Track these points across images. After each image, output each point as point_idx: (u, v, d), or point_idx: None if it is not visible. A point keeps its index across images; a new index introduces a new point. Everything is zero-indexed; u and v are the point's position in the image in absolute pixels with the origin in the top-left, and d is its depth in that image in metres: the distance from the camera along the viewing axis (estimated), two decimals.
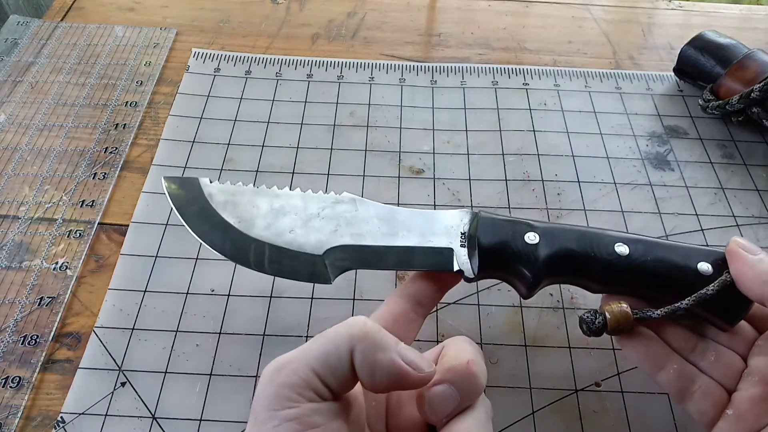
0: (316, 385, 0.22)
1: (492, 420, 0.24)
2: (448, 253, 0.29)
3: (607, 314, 0.28)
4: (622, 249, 0.29)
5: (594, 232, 0.30)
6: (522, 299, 0.33)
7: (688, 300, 0.27)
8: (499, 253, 0.29)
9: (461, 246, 0.29)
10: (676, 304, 0.28)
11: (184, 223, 0.31)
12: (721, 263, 0.28)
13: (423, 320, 0.29)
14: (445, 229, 0.30)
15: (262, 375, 0.23)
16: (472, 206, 0.41)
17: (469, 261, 0.29)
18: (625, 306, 0.28)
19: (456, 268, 0.29)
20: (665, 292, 0.28)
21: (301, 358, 0.22)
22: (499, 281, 0.31)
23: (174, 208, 0.31)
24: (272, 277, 0.36)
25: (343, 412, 0.23)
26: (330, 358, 0.22)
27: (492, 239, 0.29)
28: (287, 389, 0.22)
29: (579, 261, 0.29)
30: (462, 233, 0.30)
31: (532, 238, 0.29)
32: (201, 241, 0.30)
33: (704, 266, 0.28)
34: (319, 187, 0.41)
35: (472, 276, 0.29)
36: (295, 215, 0.31)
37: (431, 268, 0.30)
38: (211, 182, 0.32)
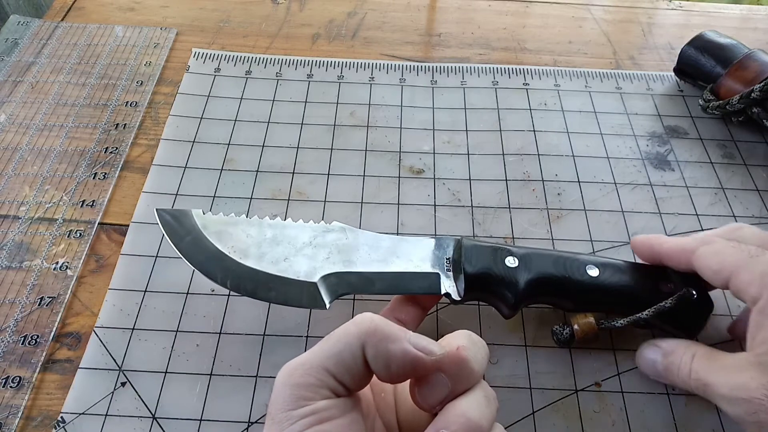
0: (331, 383, 0.22)
1: (498, 411, 0.24)
2: (435, 278, 0.31)
3: (575, 326, 0.32)
4: (592, 271, 0.31)
5: (567, 256, 0.32)
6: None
7: (648, 311, 0.30)
8: (483, 278, 0.31)
9: (447, 270, 0.31)
10: (637, 315, 0.31)
11: (180, 254, 0.32)
12: (682, 281, 0.31)
13: None
14: (431, 255, 0.32)
15: (276, 379, 0.23)
16: (472, 206, 0.41)
17: (455, 284, 0.31)
18: (590, 318, 0.31)
19: (443, 291, 0.31)
20: (632, 309, 0.31)
21: (314, 358, 0.23)
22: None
23: (168, 239, 0.32)
24: None
25: (356, 406, 0.23)
26: (343, 355, 0.22)
27: (476, 265, 0.31)
28: (302, 389, 0.22)
29: (555, 283, 0.31)
30: (447, 258, 0.32)
31: (511, 261, 0.31)
32: (197, 271, 0.31)
33: (665, 285, 0.32)
34: (320, 188, 0.42)
35: (459, 299, 0.31)
36: (288, 244, 0.32)
37: (419, 292, 0.31)
38: (204, 213, 0.33)
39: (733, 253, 0.28)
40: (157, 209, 0.33)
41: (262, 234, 0.32)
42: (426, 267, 0.32)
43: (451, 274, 0.31)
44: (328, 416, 0.22)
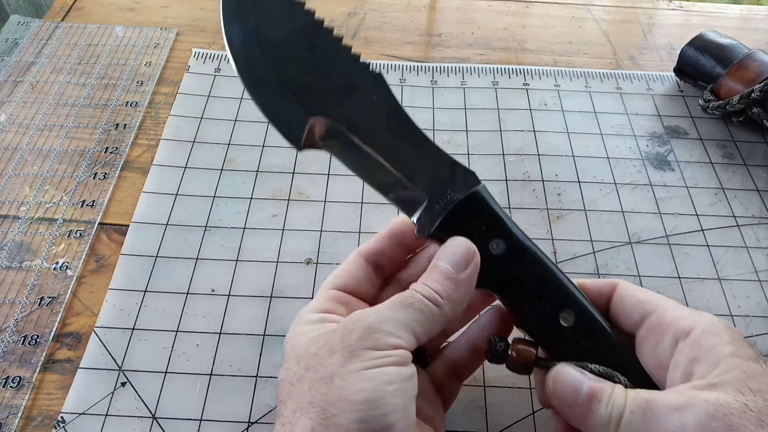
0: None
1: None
2: (418, 202, 0.27)
3: (512, 352, 0.27)
4: (565, 320, 0.26)
5: (554, 283, 0.27)
6: None
7: (600, 368, 0.25)
8: (458, 232, 0.27)
9: (436, 204, 0.27)
10: (585, 363, 0.25)
11: None
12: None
13: (382, 282, 0.29)
14: (439, 179, 0.27)
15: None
16: None
17: (430, 219, 0.27)
18: (532, 349, 0.26)
19: (414, 219, 0.27)
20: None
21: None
22: None
23: None
24: (272, 277, 0.37)
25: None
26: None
27: (456, 226, 0.27)
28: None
29: (522, 297, 0.27)
30: (448, 194, 0.27)
31: (496, 247, 0.27)
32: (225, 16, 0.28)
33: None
34: (320, 188, 0.41)
35: (422, 236, 0.27)
36: (321, 60, 0.28)
37: (391, 201, 0.28)
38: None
39: (659, 295, 0.27)
40: None
41: (311, 34, 0.29)
42: (420, 186, 0.27)
43: (437, 211, 0.27)
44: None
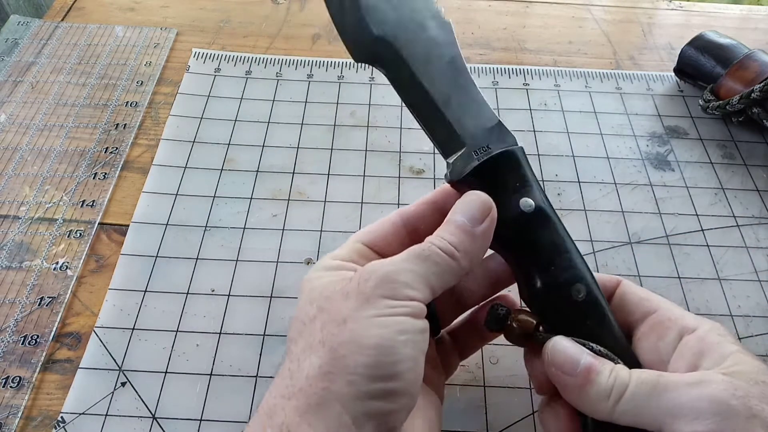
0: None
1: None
2: (457, 145, 0.28)
3: (512, 322, 0.27)
4: (578, 293, 0.26)
5: (569, 257, 0.27)
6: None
7: (600, 348, 0.25)
8: (486, 189, 0.27)
9: (474, 153, 0.27)
10: (585, 341, 0.25)
11: None
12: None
13: None
14: (480, 129, 0.28)
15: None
16: None
17: (463, 164, 0.27)
18: (533, 319, 0.26)
19: (450, 159, 0.28)
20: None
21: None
22: None
23: None
24: (272, 277, 0.37)
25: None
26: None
27: (488, 180, 0.27)
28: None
29: (536, 264, 0.27)
30: (486, 147, 0.28)
31: (526, 204, 0.27)
32: None
33: None
34: (320, 188, 0.41)
35: (453, 179, 0.28)
36: None
37: (433, 138, 0.29)
38: None
39: (661, 297, 0.27)
40: None
41: None
42: (463, 132, 0.28)
43: (474, 159, 0.27)
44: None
